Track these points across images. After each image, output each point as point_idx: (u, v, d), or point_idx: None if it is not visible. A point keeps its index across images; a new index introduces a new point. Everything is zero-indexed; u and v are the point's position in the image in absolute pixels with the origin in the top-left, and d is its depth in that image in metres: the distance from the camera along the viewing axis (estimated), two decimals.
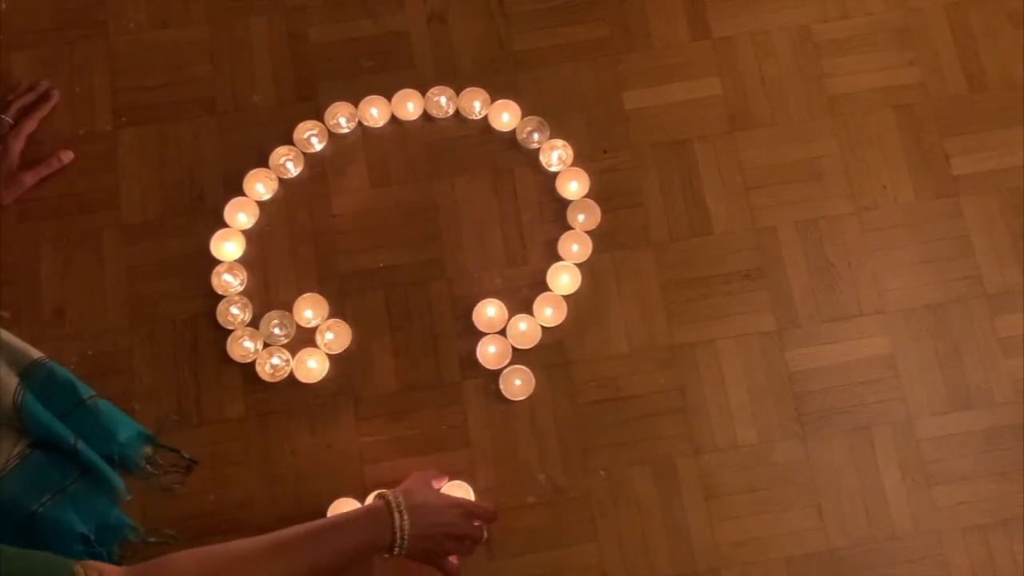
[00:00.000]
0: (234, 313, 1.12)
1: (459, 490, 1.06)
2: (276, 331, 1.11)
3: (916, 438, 1.10)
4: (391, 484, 1.03)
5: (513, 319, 1.12)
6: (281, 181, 1.17)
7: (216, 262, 1.13)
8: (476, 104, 1.19)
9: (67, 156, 1.16)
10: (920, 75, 1.22)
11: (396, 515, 0.92)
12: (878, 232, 1.16)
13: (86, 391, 1.05)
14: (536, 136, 1.18)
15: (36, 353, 1.05)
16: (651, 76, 1.21)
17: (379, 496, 0.96)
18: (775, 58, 1.22)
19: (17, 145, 1.13)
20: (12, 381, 1.02)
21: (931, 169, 1.18)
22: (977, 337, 1.13)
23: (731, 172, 1.18)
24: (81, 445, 1.02)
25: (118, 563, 1.01)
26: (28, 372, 1.04)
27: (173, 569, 0.80)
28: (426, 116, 1.19)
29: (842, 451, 1.10)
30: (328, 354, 1.11)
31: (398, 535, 0.91)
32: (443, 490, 1.05)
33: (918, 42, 1.23)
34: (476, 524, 0.99)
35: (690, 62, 1.22)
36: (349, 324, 1.12)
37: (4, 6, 1.22)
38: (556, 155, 1.18)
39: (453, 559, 0.99)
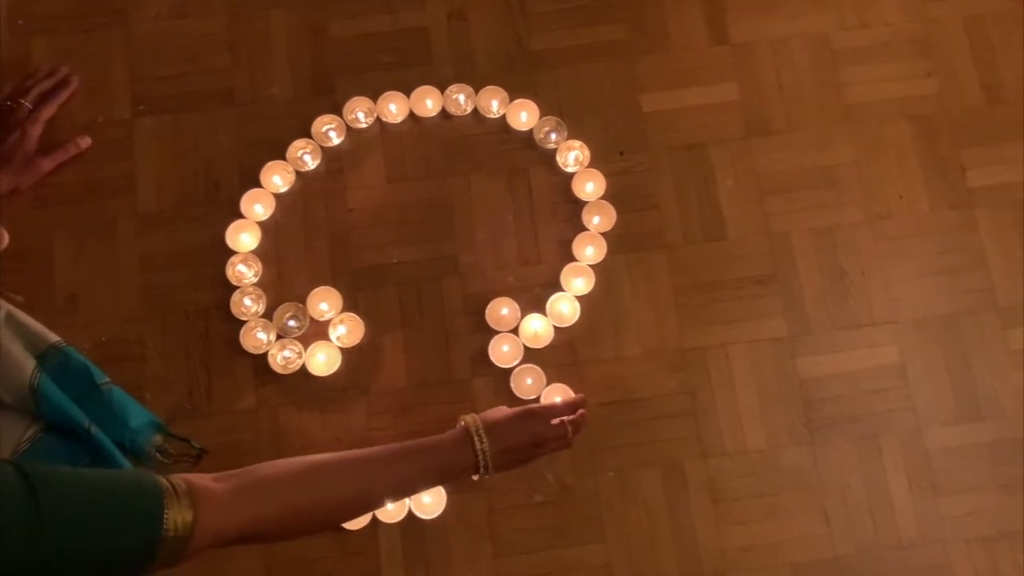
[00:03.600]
0: (247, 304, 1.12)
1: (558, 391, 1.10)
2: (291, 323, 1.11)
3: (924, 448, 1.11)
4: None
5: (526, 318, 1.13)
6: (298, 174, 1.17)
7: (231, 253, 1.13)
8: (494, 103, 1.19)
9: (85, 142, 1.16)
10: (937, 86, 1.22)
11: (476, 439, 0.91)
12: (892, 241, 1.17)
13: (100, 377, 1.05)
14: (553, 136, 1.18)
15: (53, 337, 1.05)
16: (669, 79, 1.22)
17: (460, 420, 0.95)
18: (793, 65, 1.23)
19: (35, 130, 1.14)
20: (29, 364, 1.02)
21: (946, 180, 1.18)
22: (988, 349, 1.14)
23: (746, 177, 1.18)
24: (95, 430, 1.02)
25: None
26: (45, 355, 1.04)
27: (262, 475, 0.80)
28: (444, 113, 1.19)
29: (850, 459, 1.10)
30: (340, 348, 1.11)
31: (481, 458, 0.91)
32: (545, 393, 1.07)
33: (936, 53, 1.23)
34: (557, 423, 0.97)
35: (708, 66, 1.22)
36: (361, 318, 1.12)
37: None
38: (573, 156, 1.18)
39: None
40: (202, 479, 0.76)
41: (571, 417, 0.98)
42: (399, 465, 0.88)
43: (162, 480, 0.72)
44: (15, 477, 0.64)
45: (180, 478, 0.73)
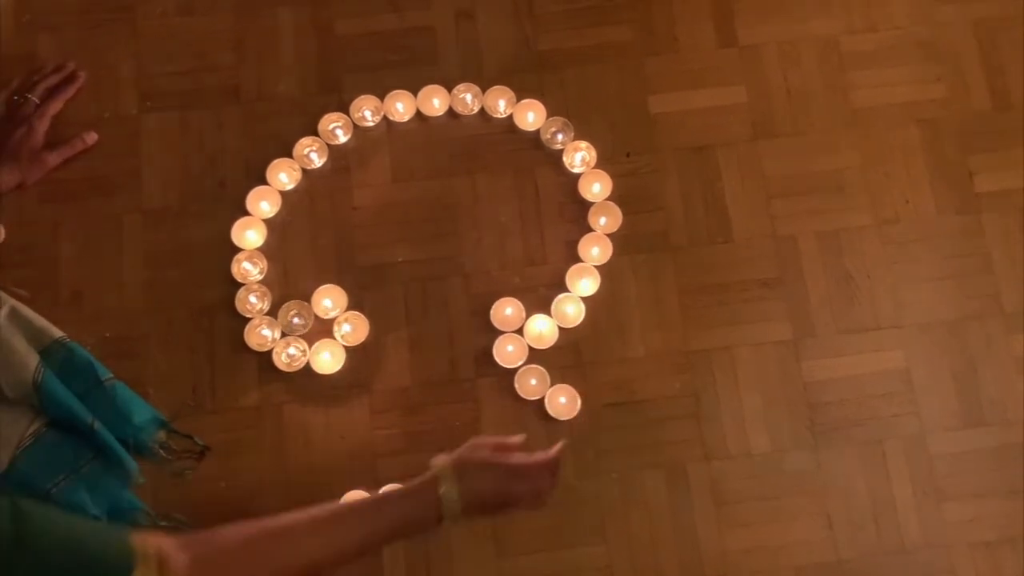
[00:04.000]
0: (252, 301, 1.12)
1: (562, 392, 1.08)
2: (295, 321, 1.11)
3: (928, 453, 1.10)
4: (403, 478, 1.02)
5: (530, 319, 1.13)
6: (304, 172, 1.17)
7: (236, 250, 1.13)
8: (501, 103, 1.19)
9: (91, 138, 1.16)
10: (945, 90, 1.22)
11: (443, 487, 0.87)
12: (898, 246, 1.16)
13: (104, 373, 1.05)
14: (560, 137, 1.18)
15: (57, 332, 1.05)
16: (677, 81, 1.21)
17: (430, 467, 0.91)
18: (801, 68, 1.22)
19: (42, 125, 1.13)
20: (32, 359, 1.02)
21: (954, 185, 1.18)
22: (993, 355, 1.13)
23: (753, 180, 1.18)
24: (98, 426, 1.02)
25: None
26: (48, 351, 1.03)
27: (219, 542, 0.79)
28: (451, 113, 1.19)
29: (854, 463, 1.10)
30: (344, 346, 1.11)
31: (446, 509, 0.87)
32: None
33: (944, 58, 1.23)
34: (531, 482, 0.92)
35: (716, 69, 1.22)
36: (366, 317, 1.12)
37: None
38: (580, 157, 1.18)
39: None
40: (170, 547, 0.74)
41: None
42: (365, 524, 0.85)
43: (135, 541, 0.71)
44: (7, 516, 0.64)
45: (153, 545, 0.72)
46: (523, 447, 0.93)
